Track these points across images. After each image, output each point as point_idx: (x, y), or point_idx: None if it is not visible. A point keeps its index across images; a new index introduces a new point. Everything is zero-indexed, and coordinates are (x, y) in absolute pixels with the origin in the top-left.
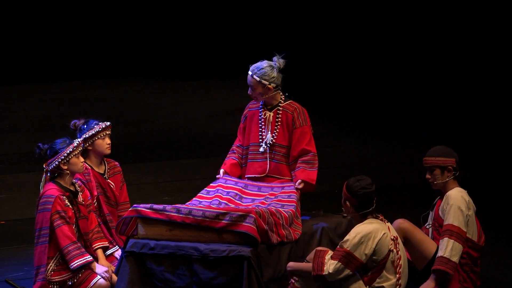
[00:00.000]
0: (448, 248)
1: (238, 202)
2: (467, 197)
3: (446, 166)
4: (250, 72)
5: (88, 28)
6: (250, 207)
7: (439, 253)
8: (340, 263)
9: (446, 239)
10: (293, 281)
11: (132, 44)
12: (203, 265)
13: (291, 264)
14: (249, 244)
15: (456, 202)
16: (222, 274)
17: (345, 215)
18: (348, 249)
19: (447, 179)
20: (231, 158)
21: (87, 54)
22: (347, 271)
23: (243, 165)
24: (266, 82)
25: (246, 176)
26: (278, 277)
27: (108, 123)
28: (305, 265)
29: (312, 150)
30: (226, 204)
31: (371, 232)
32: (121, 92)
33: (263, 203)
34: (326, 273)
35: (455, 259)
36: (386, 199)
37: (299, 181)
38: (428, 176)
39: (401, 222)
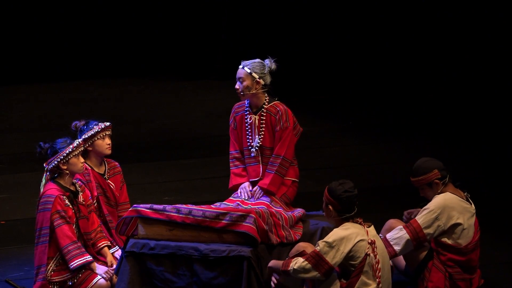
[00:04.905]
0: (396, 235)
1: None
2: (454, 202)
3: (432, 181)
4: (241, 65)
5: (88, 28)
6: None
7: (388, 235)
8: (307, 262)
9: (400, 227)
10: (275, 279)
11: (132, 44)
12: (203, 265)
13: (272, 263)
14: (249, 244)
15: (434, 207)
16: (222, 274)
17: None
18: (317, 250)
19: (439, 191)
20: (241, 168)
21: (87, 54)
22: (315, 273)
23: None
24: (256, 76)
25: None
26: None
27: (108, 123)
28: (280, 263)
29: (281, 154)
30: (226, 205)
31: (346, 237)
32: (121, 92)
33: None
34: (291, 269)
35: (397, 248)
36: (386, 199)
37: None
38: (421, 194)
39: (394, 222)
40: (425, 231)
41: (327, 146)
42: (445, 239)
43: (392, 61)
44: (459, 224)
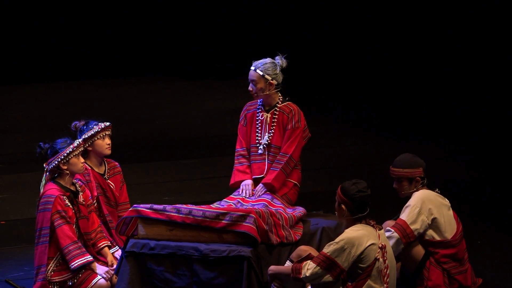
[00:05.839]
0: (386, 235)
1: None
2: (432, 198)
3: (414, 177)
4: (252, 67)
5: (88, 28)
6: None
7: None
8: (319, 267)
9: (388, 228)
10: (275, 285)
11: (132, 44)
12: (203, 265)
13: (273, 268)
14: (249, 244)
15: (415, 203)
16: (222, 274)
17: None
18: (329, 254)
19: (415, 189)
20: (245, 165)
21: (86, 54)
22: (327, 276)
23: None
24: (269, 77)
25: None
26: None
27: (108, 123)
28: (286, 268)
29: (288, 152)
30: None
31: (357, 239)
32: (121, 92)
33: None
34: (303, 276)
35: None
36: (386, 199)
37: (263, 188)
38: (395, 186)
39: (391, 223)
40: (412, 226)
41: (327, 146)
42: (432, 236)
43: (393, 61)
44: (439, 217)
